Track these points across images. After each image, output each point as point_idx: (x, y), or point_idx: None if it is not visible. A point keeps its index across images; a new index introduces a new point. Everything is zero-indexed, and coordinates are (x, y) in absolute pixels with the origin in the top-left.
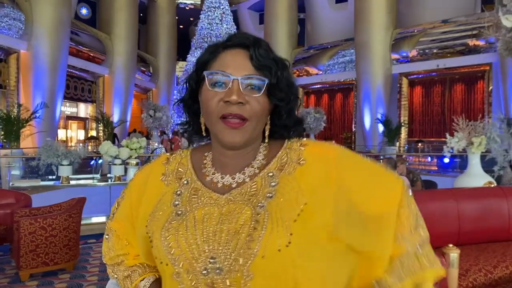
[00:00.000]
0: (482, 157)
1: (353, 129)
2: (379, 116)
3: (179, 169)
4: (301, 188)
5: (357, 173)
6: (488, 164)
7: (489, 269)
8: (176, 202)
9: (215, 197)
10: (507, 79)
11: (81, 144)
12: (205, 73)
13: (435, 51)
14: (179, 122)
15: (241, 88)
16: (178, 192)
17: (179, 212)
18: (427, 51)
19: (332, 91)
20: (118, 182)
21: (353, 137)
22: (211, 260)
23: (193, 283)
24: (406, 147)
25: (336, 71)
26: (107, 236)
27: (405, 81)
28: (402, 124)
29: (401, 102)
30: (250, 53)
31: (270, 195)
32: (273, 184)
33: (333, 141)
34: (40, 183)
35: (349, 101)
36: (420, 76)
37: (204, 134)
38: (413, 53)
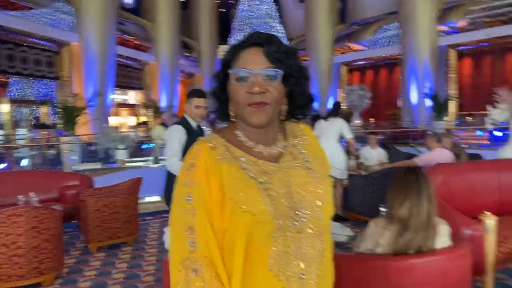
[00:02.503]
0: None
1: (399, 106)
2: (426, 90)
3: (228, 149)
4: (315, 154)
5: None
6: None
7: None
8: (251, 174)
9: (273, 166)
10: None
11: (133, 130)
12: (230, 71)
13: (485, 20)
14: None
15: (260, 80)
16: (244, 167)
17: (262, 181)
18: (476, 20)
19: (376, 67)
20: None
21: (399, 114)
22: (298, 213)
23: (287, 234)
24: (454, 122)
25: (380, 46)
26: (195, 272)
27: (453, 53)
28: (450, 98)
29: (449, 76)
30: (264, 49)
31: (308, 160)
32: (302, 151)
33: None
34: (99, 166)
35: (394, 76)
36: (469, 47)
37: (233, 119)
38: (462, 23)
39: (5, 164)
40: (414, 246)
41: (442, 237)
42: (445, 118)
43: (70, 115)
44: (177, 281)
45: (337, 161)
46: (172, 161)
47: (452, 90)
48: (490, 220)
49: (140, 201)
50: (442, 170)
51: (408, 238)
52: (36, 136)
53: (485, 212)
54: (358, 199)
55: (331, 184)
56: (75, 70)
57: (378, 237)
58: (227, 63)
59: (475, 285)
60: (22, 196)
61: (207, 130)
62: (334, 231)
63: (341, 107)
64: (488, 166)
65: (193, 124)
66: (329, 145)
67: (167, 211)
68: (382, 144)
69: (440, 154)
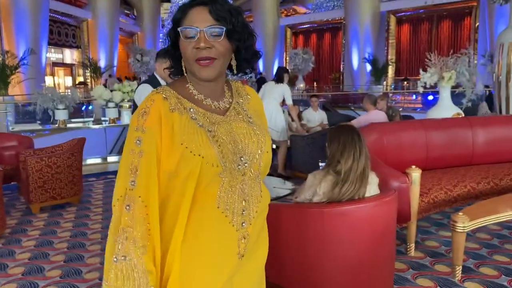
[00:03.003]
0: (453, 92)
1: (341, 70)
2: (366, 55)
3: (179, 101)
4: (256, 112)
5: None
6: (458, 98)
7: (450, 188)
8: (200, 123)
9: (220, 118)
10: (494, 14)
11: (70, 90)
12: (179, 29)
13: None
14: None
15: (206, 36)
16: (193, 117)
17: (210, 130)
18: None
19: (320, 31)
20: (113, 124)
21: (341, 78)
22: (241, 158)
23: (232, 175)
24: (392, 86)
25: (324, 9)
26: (127, 207)
27: (393, 19)
28: (390, 63)
29: (389, 41)
30: (209, 8)
31: (250, 116)
32: (245, 109)
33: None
34: (38, 127)
35: (337, 41)
36: (408, 13)
37: (185, 74)
38: None
39: None
40: (348, 195)
41: (372, 186)
42: (383, 82)
43: (2, 74)
44: (114, 212)
45: (275, 124)
46: None
47: (391, 56)
48: (415, 173)
49: (83, 162)
50: (376, 129)
51: (344, 189)
52: None
53: (412, 166)
54: (300, 159)
55: (270, 138)
56: (5, 26)
57: (315, 187)
58: (177, 21)
59: (401, 232)
60: None
61: None
62: (276, 186)
63: (288, 72)
64: (417, 126)
65: (163, 83)
66: (270, 108)
67: (110, 173)
68: (324, 107)
69: (375, 116)
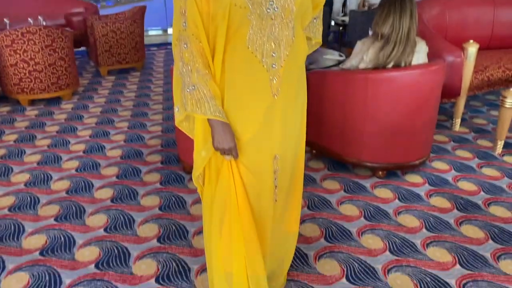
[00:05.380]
0: None
1: None
2: None
3: None
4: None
5: None
6: None
7: (509, 66)
8: None
9: None
10: None
11: None
12: None
13: None
14: None
15: None
16: None
17: None
18: None
19: None
20: None
21: None
22: (271, 3)
23: (261, 17)
24: None
25: None
26: (185, 45)
27: None
28: None
29: None
30: None
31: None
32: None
33: None
34: None
35: None
36: None
37: None
38: None
39: None
40: (394, 59)
41: (420, 54)
42: None
43: None
44: (175, 53)
45: None
46: None
47: None
48: (472, 48)
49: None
50: (438, 1)
51: (388, 51)
52: None
53: (470, 40)
54: (358, 35)
55: None
56: None
57: (362, 54)
58: None
59: (450, 110)
60: (31, 19)
61: None
62: (326, 56)
63: None
64: (485, 1)
65: None
66: None
67: (170, 43)
68: None
69: None
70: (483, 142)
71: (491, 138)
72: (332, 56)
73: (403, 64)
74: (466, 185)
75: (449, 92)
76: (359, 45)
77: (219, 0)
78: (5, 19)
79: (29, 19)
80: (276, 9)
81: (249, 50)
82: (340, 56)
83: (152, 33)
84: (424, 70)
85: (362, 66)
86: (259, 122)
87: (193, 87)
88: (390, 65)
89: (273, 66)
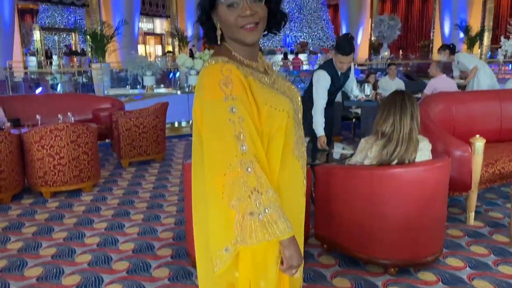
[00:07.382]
0: None
1: (431, 37)
2: (459, 22)
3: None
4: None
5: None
6: None
7: None
8: (265, 84)
9: (267, 77)
10: None
11: (159, 58)
12: (221, 0)
13: None
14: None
15: (248, 3)
16: (258, 79)
17: (276, 88)
18: None
19: None
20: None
21: (430, 45)
22: (296, 107)
23: (298, 124)
24: (488, 55)
25: None
26: (249, 169)
27: None
28: (485, 29)
29: (486, 6)
30: None
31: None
32: (275, 71)
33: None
34: (129, 90)
35: (428, 6)
36: None
37: (219, 41)
38: None
39: (40, 89)
40: (397, 157)
41: (423, 151)
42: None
43: (100, 43)
44: (223, 185)
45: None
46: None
47: (488, 22)
48: (479, 143)
49: (167, 126)
50: (444, 98)
51: (390, 149)
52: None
53: (476, 135)
54: (370, 126)
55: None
56: None
57: (366, 151)
58: None
59: (464, 202)
60: (61, 116)
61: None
62: (337, 150)
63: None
64: (491, 96)
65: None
66: None
67: (191, 135)
68: (407, 76)
69: (442, 81)
70: (499, 237)
71: (507, 233)
72: (343, 151)
73: (406, 162)
74: (482, 284)
75: (460, 186)
76: (363, 143)
77: (274, 116)
78: (37, 116)
79: (59, 115)
80: (299, 114)
81: (294, 157)
82: (350, 151)
83: (176, 125)
84: (428, 166)
85: (367, 162)
86: (299, 221)
87: (265, 211)
88: (394, 162)
89: (303, 167)
